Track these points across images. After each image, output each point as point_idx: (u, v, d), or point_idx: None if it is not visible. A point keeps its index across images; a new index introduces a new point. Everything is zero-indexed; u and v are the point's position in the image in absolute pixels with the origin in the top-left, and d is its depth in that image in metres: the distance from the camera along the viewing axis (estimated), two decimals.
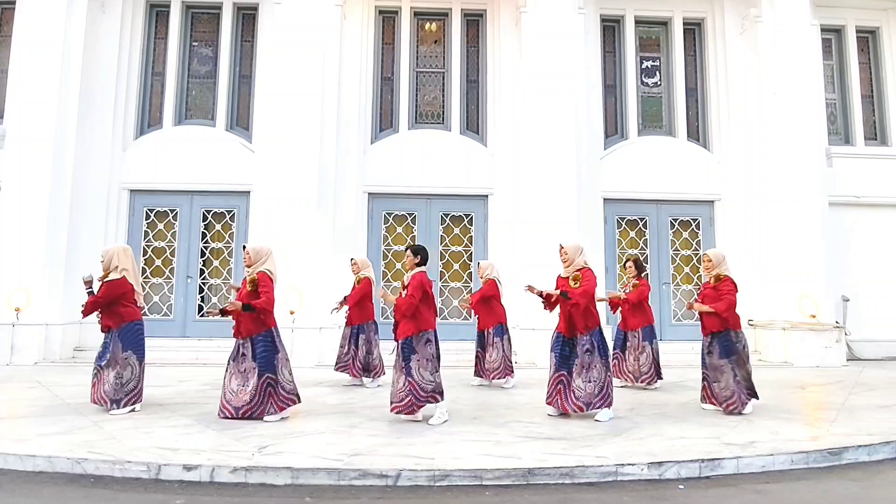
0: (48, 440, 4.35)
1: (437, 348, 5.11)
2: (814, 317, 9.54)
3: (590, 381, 5.20)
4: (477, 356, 7.26)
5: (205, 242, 10.37)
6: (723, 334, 5.63)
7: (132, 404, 5.38)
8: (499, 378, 7.07)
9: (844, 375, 8.35)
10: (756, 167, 10.52)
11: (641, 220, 10.82)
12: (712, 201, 10.84)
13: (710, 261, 5.79)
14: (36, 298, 8.90)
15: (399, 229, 10.59)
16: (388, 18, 11.16)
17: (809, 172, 9.99)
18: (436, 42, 11.26)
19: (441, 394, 5.08)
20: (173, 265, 10.24)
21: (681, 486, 3.80)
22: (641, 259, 7.28)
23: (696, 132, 11.23)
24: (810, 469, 4.17)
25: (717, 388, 5.63)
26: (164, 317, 10.13)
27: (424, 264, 5.21)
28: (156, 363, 8.73)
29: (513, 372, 7.14)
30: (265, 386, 5.13)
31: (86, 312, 5.32)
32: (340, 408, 5.76)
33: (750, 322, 10.25)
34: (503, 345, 7.06)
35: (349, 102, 10.44)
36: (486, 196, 10.62)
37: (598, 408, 5.22)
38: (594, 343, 5.24)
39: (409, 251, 5.25)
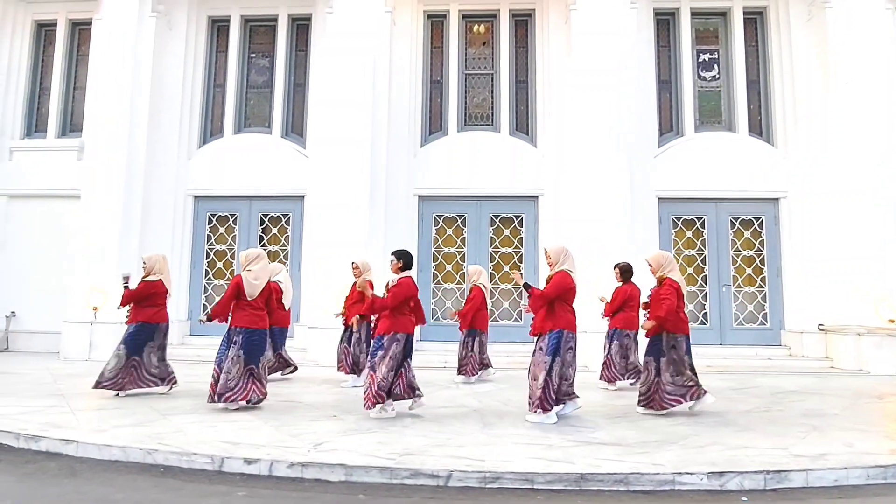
0: (122, 431, 4.65)
1: (403, 351, 5.27)
2: (893, 321, 8.86)
3: (533, 380, 5.26)
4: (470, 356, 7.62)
5: (262, 245, 10.79)
6: (657, 336, 5.60)
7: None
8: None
9: None
10: (825, 162, 9.88)
11: (699, 219, 10.40)
12: (777, 199, 10.28)
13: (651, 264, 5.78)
14: (112, 299, 9.51)
15: (449, 231, 10.65)
16: (436, 22, 11.26)
17: (879, 166, 9.30)
18: (484, 44, 11.26)
19: (387, 394, 5.24)
20: (233, 267, 10.71)
21: (744, 499, 3.62)
22: (628, 265, 7.19)
23: (759, 126, 10.69)
24: (889, 484, 3.88)
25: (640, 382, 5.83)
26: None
27: (408, 269, 5.39)
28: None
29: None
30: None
31: (123, 303, 6.26)
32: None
33: (820, 327, 9.65)
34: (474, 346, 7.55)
35: (399, 106, 10.60)
36: (537, 197, 10.51)
37: (530, 409, 5.28)
38: (544, 345, 5.21)
39: (393, 255, 5.45)
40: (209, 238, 10.86)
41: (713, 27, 11.03)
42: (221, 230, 10.86)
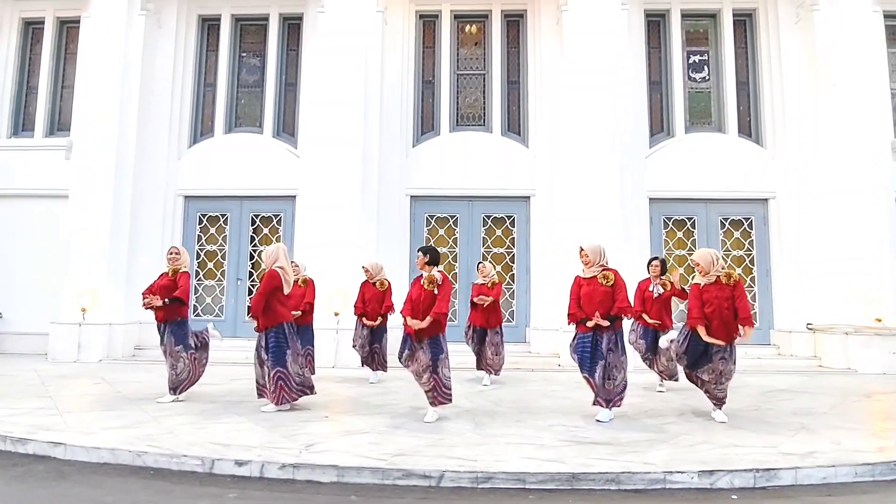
0: (112, 433, 4.61)
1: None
2: (880, 320, 8.97)
3: (611, 380, 5.35)
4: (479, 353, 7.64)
5: (253, 246, 10.74)
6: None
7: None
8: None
9: None
10: (814, 163, 9.98)
11: (689, 219, 10.47)
12: (766, 199, 10.38)
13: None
14: (100, 300, 9.44)
15: (441, 231, 10.65)
16: (428, 22, 11.26)
17: (873, 167, 9.42)
18: (476, 44, 11.28)
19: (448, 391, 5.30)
20: (224, 268, 10.65)
21: (734, 497, 3.65)
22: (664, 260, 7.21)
23: (748, 127, 10.78)
24: (876, 482, 3.93)
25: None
26: (216, 317, 10.53)
27: (435, 264, 5.33)
28: (209, 362, 9.09)
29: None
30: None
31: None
32: (384, 408, 5.84)
33: (809, 326, 9.75)
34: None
35: (391, 106, 10.59)
36: (529, 197, 10.54)
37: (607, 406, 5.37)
38: (614, 345, 5.27)
39: (420, 251, 5.38)
40: (200, 238, 10.79)
41: (703, 29, 11.11)
42: (212, 230, 10.80)
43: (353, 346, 7.63)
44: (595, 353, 5.23)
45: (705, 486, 3.78)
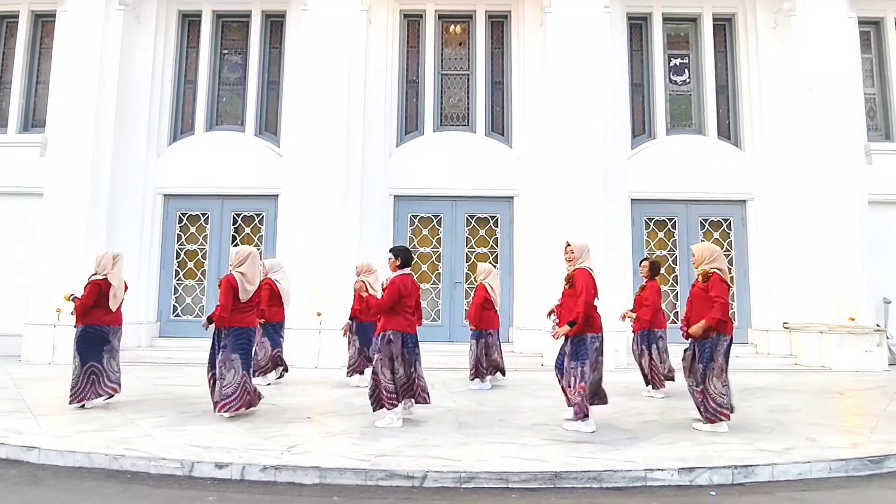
0: (87, 437, 4.51)
1: (401, 350, 5.06)
2: (853, 319, 9.20)
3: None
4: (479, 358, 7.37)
5: (234, 245, 10.59)
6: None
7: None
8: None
9: (886, 381, 8.03)
10: (791, 165, 10.20)
11: (670, 220, 10.62)
12: (745, 201, 10.57)
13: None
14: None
15: (425, 231, 10.64)
16: (412, 22, 11.24)
17: (847, 170, 9.65)
18: (460, 44, 11.29)
19: (397, 396, 5.04)
20: (205, 267, 10.50)
21: (712, 493, 3.71)
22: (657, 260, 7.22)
23: (728, 130, 10.97)
24: (850, 477, 4.03)
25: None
26: (197, 318, 10.38)
27: (407, 266, 5.23)
28: (188, 363, 8.97)
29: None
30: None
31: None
32: (367, 409, 5.79)
33: (785, 325, 9.95)
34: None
35: (374, 106, 10.54)
36: (512, 198, 10.58)
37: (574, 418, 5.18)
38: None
39: (391, 252, 5.26)
40: (179, 238, 10.62)
41: (684, 32, 11.27)
42: (192, 230, 10.63)
43: (349, 349, 7.42)
44: (559, 357, 5.22)
45: (685, 483, 3.83)
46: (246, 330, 5.36)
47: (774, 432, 4.89)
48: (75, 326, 5.77)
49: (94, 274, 5.90)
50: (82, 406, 5.66)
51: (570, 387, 5.03)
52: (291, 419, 5.28)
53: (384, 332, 5.08)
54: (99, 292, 5.74)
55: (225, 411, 5.17)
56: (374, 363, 5.10)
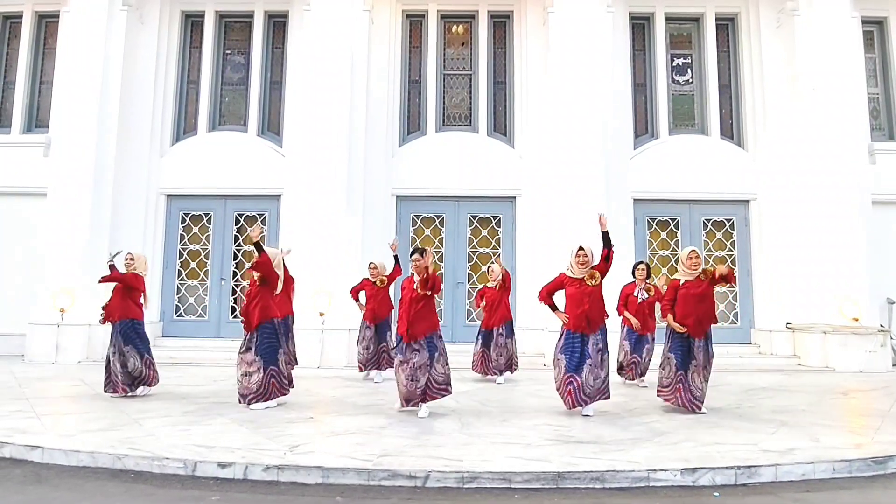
0: (91, 436, 4.52)
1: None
2: (856, 320, 9.17)
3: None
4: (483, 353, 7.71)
5: (237, 245, 10.62)
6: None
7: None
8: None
9: (889, 381, 8.01)
10: (794, 165, 10.17)
11: (673, 220, 10.60)
12: (747, 201, 10.54)
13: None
14: (79, 300, 9.25)
15: (427, 231, 10.64)
16: (414, 22, 11.24)
17: (851, 170, 9.62)
18: (462, 44, 11.29)
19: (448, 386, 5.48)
20: (207, 267, 10.52)
21: (716, 494, 3.70)
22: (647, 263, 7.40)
23: (731, 130, 10.94)
24: (853, 478, 4.01)
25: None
26: (199, 318, 10.40)
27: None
28: (191, 363, 9.00)
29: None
30: None
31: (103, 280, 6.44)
32: (370, 409, 5.81)
33: (788, 325, 9.93)
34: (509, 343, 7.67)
35: (377, 106, 10.54)
36: (514, 198, 10.57)
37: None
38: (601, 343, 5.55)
39: (417, 253, 5.55)
40: (182, 238, 10.64)
41: (687, 32, 11.25)
42: (195, 230, 10.65)
43: (358, 346, 7.70)
44: (583, 353, 5.36)
45: (688, 484, 3.82)
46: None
47: (778, 433, 4.87)
48: (114, 321, 6.25)
49: (132, 269, 6.38)
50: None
51: (597, 378, 5.36)
52: (294, 419, 5.28)
53: (434, 332, 5.38)
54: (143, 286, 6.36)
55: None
56: (428, 361, 5.29)
